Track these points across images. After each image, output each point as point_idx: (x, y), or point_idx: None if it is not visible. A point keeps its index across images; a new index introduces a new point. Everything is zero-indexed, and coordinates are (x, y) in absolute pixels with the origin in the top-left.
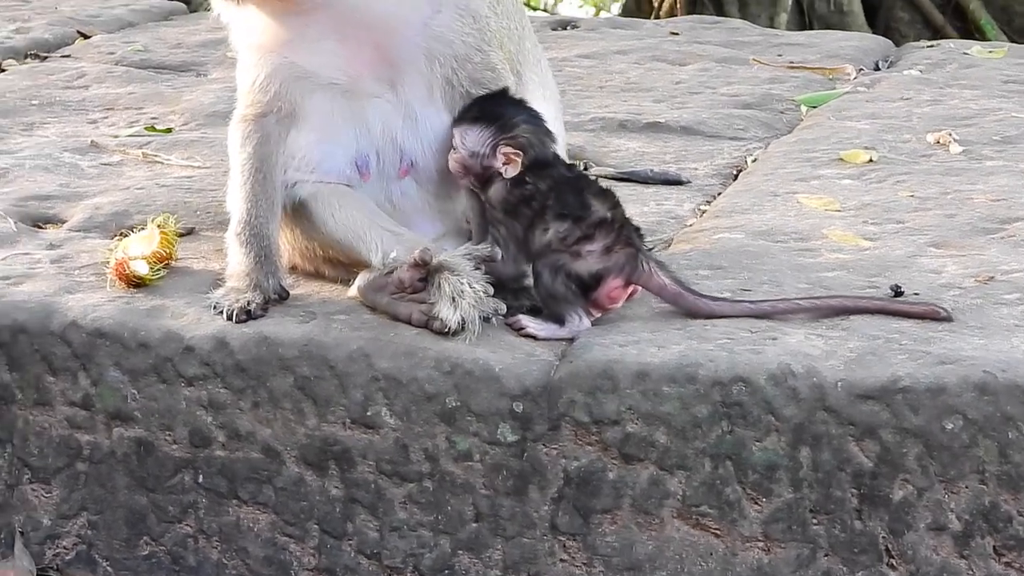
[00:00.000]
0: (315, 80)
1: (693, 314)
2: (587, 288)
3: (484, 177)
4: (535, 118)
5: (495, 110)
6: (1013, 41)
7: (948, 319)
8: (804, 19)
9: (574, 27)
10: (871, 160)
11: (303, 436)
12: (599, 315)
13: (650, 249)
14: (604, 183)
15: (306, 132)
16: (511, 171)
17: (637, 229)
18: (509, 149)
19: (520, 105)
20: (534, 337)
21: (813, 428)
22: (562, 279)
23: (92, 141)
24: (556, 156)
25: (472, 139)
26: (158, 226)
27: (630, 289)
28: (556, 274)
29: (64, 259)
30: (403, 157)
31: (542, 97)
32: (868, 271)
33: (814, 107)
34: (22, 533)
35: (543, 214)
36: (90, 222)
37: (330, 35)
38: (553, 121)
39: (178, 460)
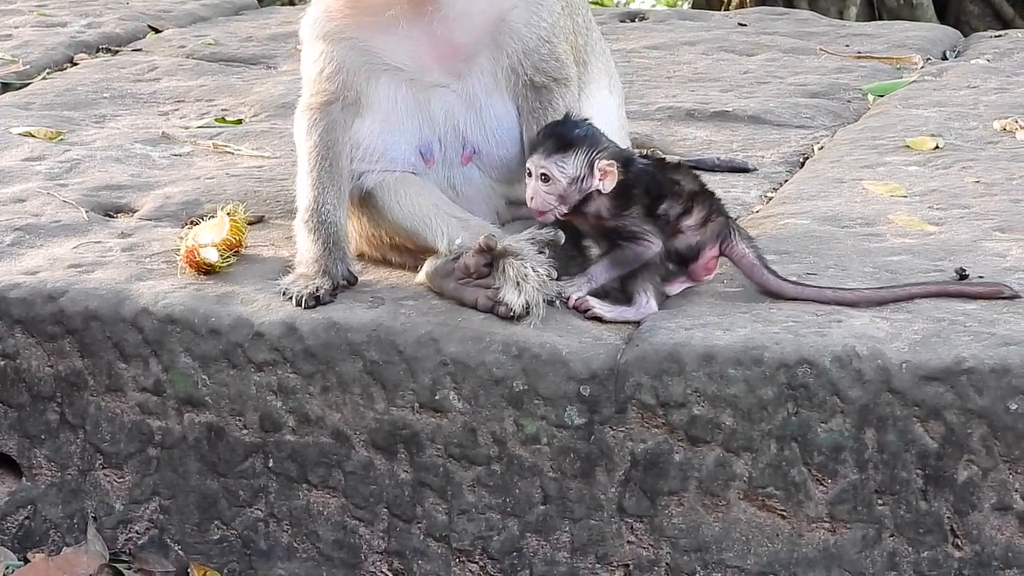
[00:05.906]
0: (381, 66)
1: (762, 290)
2: (686, 262)
3: (579, 202)
4: (599, 129)
5: (576, 133)
6: None
7: (1015, 296)
8: (873, 12)
9: (643, 19)
10: (937, 147)
11: (372, 420)
12: (694, 285)
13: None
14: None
15: (370, 121)
16: (609, 184)
17: (720, 199)
18: (604, 162)
19: (586, 121)
20: (601, 319)
21: (878, 410)
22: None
23: (163, 132)
24: (629, 151)
25: (571, 166)
26: (228, 214)
27: (720, 258)
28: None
29: (135, 247)
30: (466, 144)
31: (608, 88)
32: (933, 255)
33: (881, 96)
34: (95, 518)
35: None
36: (161, 211)
37: (410, 25)
38: (617, 110)
39: (248, 445)
